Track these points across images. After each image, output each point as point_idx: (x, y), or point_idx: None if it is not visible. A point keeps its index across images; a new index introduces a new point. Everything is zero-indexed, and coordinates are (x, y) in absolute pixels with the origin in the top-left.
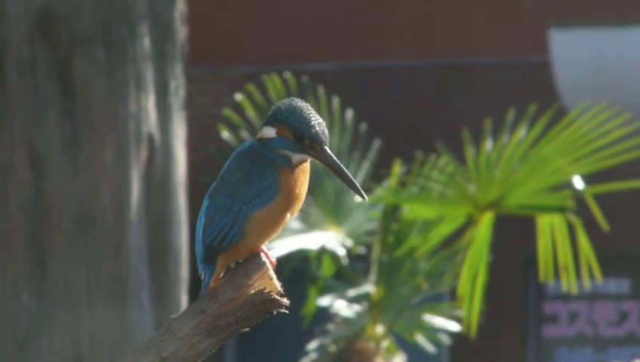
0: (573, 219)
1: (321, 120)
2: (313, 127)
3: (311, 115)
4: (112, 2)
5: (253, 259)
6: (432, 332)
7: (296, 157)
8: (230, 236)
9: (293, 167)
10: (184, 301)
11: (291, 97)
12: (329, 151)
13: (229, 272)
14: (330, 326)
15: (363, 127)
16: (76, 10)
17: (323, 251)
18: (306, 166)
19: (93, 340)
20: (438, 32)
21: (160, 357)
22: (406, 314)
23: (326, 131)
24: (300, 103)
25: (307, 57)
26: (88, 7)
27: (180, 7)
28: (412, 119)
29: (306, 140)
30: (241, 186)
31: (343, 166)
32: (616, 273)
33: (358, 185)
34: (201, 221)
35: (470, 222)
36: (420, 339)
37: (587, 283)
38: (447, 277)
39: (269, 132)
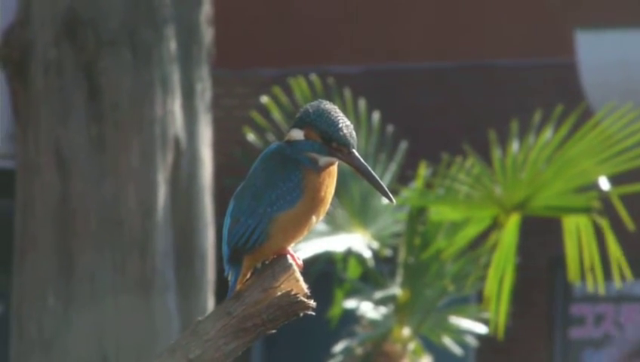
0: (600, 220)
1: (348, 123)
2: (341, 129)
3: (339, 118)
4: (137, 4)
5: (279, 261)
6: (458, 334)
7: (323, 159)
8: (254, 237)
9: (320, 169)
10: (210, 303)
11: (319, 100)
12: (357, 154)
13: (255, 274)
14: (357, 329)
15: (389, 129)
16: (102, 12)
17: (349, 253)
18: (333, 169)
19: (119, 342)
20: (464, 34)
21: (186, 359)
22: (432, 317)
23: (354, 134)
24: (328, 106)
25: (333, 59)
26: (114, 10)
27: (206, 9)
28: (438, 121)
29: (333, 143)
30: (265, 188)
31: (370, 169)
32: None
33: (386, 188)
34: (226, 222)
35: (496, 224)
36: (447, 341)
37: (618, 284)
38: (473, 279)
39: (297, 134)
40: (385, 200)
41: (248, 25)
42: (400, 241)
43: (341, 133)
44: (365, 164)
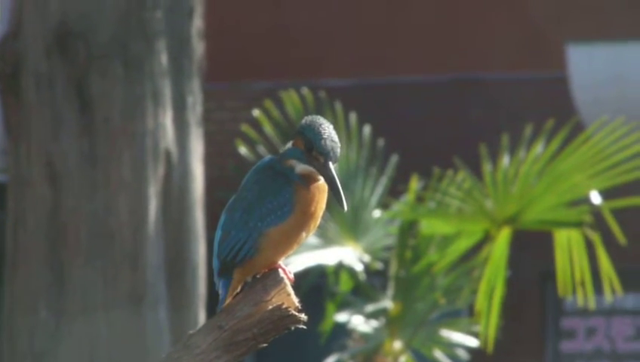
0: (591, 234)
1: (335, 138)
2: (324, 139)
3: (326, 131)
4: (129, 18)
5: (270, 275)
6: (449, 347)
7: (300, 167)
8: (244, 251)
9: (297, 177)
10: (202, 316)
11: (317, 115)
12: (332, 167)
13: (245, 287)
14: (348, 342)
15: (380, 142)
16: (93, 26)
17: (340, 267)
18: (324, 185)
19: (111, 355)
20: (455, 48)
21: None
22: (424, 330)
23: (336, 150)
24: (322, 120)
25: (325, 73)
26: (105, 23)
27: (197, 23)
28: (429, 135)
29: (313, 151)
30: (256, 202)
31: (338, 183)
32: (633, 288)
33: (344, 199)
34: (217, 235)
35: (487, 238)
36: (438, 355)
37: (609, 298)
38: (465, 292)
39: (288, 145)
40: (375, 214)
41: (240, 38)
42: (391, 255)
43: (322, 142)
44: (336, 177)
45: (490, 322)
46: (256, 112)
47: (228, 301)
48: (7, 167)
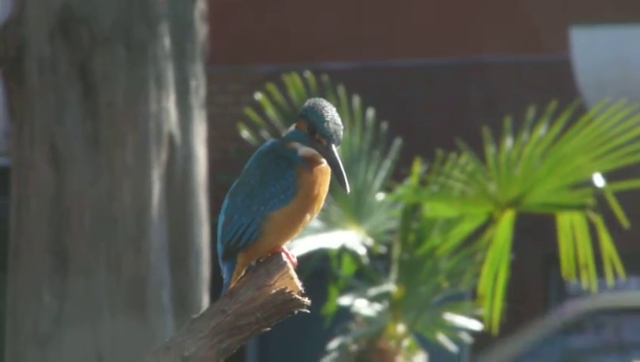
0: (594, 216)
1: (338, 120)
2: (327, 122)
3: (329, 113)
4: (132, 2)
5: (274, 259)
6: (453, 330)
7: (303, 149)
8: (247, 235)
9: (305, 163)
10: (205, 300)
11: (320, 98)
12: (334, 149)
13: (249, 271)
14: (352, 326)
15: (384, 125)
16: (96, 10)
17: (343, 250)
18: (327, 167)
19: (115, 341)
20: (458, 31)
21: (181, 356)
22: (427, 313)
23: (339, 132)
24: (325, 103)
25: (328, 56)
26: (108, 7)
27: (201, 6)
28: (432, 118)
29: (316, 134)
30: (259, 186)
31: (342, 165)
32: (637, 271)
33: (347, 181)
34: (220, 220)
35: (491, 221)
36: (442, 338)
37: (611, 281)
38: (468, 275)
39: (291, 127)
40: (379, 197)
41: (243, 22)
42: (394, 238)
43: (325, 125)
44: (339, 160)
45: (495, 305)
46: (258, 96)
47: (232, 285)
48: (11, 151)
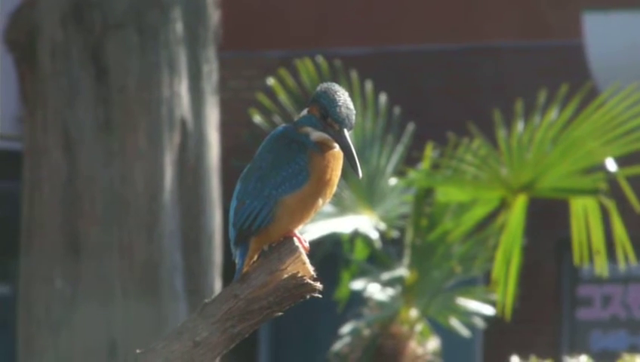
0: (607, 201)
1: (351, 106)
2: (339, 107)
3: (341, 98)
4: None
5: (286, 244)
6: (465, 315)
7: (315, 134)
8: (259, 220)
9: (316, 148)
10: (217, 285)
11: (332, 83)
12: (347, 134)
13: (262, 256)
14: (364, 310)
15: (396, 110)
16: None
17: (356, 235)
18: (339, 152)
19: (127, 325)
20: (471, 15)
21: (193, 341)
22: (440, 298)
23: (352, 117)
24: (337, 87)
25: (340, 41)
26: None
27: None
28: (445, 102)
29: (328, 118)
30: (271, 171)
31: (354, 150)
32: None
33: (359, 167)
34: (233, 204)
35: (503, 206)
36: (454, 323)
37: (622, 265)
38: (481, 260)
39: (304, 112)
40: (391, 182)
41: (255, 6)
42: (407, 223)
43: (337, 109)
44: (351, 145)
45: (507, 290)
46: (271, 81)
47: (245, 270)
48: (23, 136)
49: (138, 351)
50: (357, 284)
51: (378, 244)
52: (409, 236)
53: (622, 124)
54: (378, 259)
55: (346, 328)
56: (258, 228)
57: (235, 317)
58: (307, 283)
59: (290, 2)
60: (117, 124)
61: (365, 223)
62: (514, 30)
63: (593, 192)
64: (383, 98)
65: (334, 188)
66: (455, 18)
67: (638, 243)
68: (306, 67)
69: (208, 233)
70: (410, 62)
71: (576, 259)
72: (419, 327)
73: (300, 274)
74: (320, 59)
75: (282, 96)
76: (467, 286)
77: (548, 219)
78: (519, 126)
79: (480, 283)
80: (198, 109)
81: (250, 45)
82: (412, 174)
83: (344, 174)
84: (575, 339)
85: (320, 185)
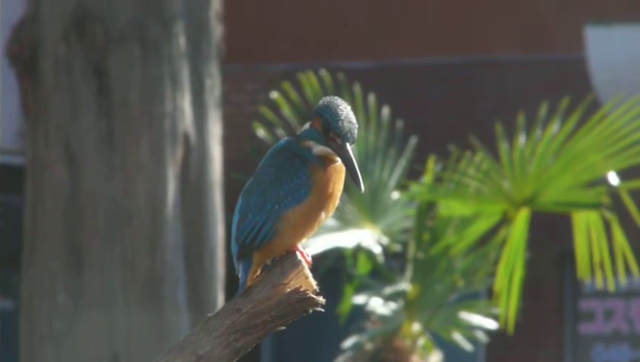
0: (609, 215)
1: (353, 120)
2: (341, 121)
3: (344, 112)
4: (147, 1)
5: (288, 258)
6: (468, 329)
7: (317, 148)
8: (262, 234)
9: (318, 162)
10: (220, 299)
11: (335, 97)
12: (349, 148)
13: (265, 270)
14: (367, 324)
15: (399, 124)
16: (111, 8)
17: (359, 249)
18: (341, 166)
19: (129, 339)
20: (473, 29)
21: (196, 355)
22: (442, 312)
23: (354, 131)
24: (339, 101)
25: (343, 55)
26: (123, 6)
27: (216, 5)
28: (447, 116)
29: (331, 133)
30: (273, 185)
31: (355, 164)
32: None
33: (361, 180)
34: (235, 219)
35: (506, 219)
36: (457, 337)
37: (623, 280)
38: (483, 274)
39: (306, 126)
40: (394, 196)
41: (258, 20)
42: (409, 237)
43: (339, 123)
44: (353, 159)
45: (510, 304)
46: (274, 95)
47: (248, 284)
48: (26, 150)
49: None
50: (359, 298)
51: (380, 258)
52: (411, 250)
53: (624, 137)
54: (380, 273)
55: (349, 342)
56: (261, 242)
57: (238, 331)
58: (310, 297)
59: (293, 16)
60: (119, 137)
61: (368, 237)
62: (516, 44)
63: (595, 206)
64: (385, 111)
65: (337, 202)
66: (458, 32)
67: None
68: (309, 81)
69: (211, 247)
70: (412, 75)
71: (579, 273)
72: (421, 341)
73: (302, 289)
74: (323, 72)
75: (285, 110)
76: (470, 300)
77: (550, 233)
78: (521, 139)
79: (482, 297)
80: (201, 123)
81: (253, 59)
82: (414, 188)
83: (346, 188)
84: (577, 353)
85: (322, 199)
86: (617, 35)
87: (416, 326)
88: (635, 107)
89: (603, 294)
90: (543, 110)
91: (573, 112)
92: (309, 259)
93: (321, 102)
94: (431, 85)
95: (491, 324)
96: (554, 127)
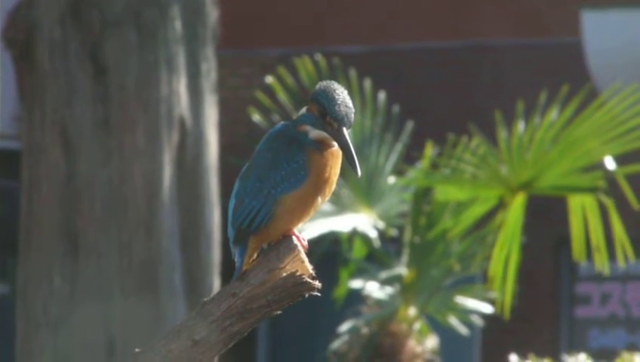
0: (605, 199)
1: (350, 104)
2: (338, 105)
3: (340, 96)
4: None
5: (284, 242)
6: (464, 314)
7: (314, 132)
8: (259, 219)
9: (315, 146)
10: (216, 284)
11: (331, 81)
12: (345, 132)
13: (261, 254)
14: (363, 309)
15: (395, 109)
16: None
17: (355, 233)
18: (338, 150)
19: (126, 324)
20: (470, 13)
21: (192, 340)
22: (438, 296)
23: (350, 115)
24: (336, 85)
25: (339, 39)
26: None
27: None
28: (444, 101)
29: (327, 117)
30: (269, 169)
31: (352, 148)
32: None
33: (358, 165)
34: (231, 203)
35: (502, 204)
36: (453, 321)
37: (621, 263)
38: (479, 258)
39: (303, 110)
40: (390, 180)
41: (253, 4)
42: (406, 221)
43: (336, 108)
44: (350, 143)
45: (506, 288)
46: (269, 79)
47: (244, 268)
48: (22, 135)
49: (137, 350)
50: (355, 283)
51: (377, 243)
52: (408, 234)
53: (621, 123)
54: (377, 257)
55: (345, 326)
56: (257, 226)
57: (234, 315)
58: (306, 281)
59: (289, 0)
60: (115, 122)
61: (364, 222)
62: (513, 29)
63: (592, 190)
64: (381, 96)
65: (333, 187)
66: (454, 16)
67: (636, 241)
68: (304, 65)
69: (207, 232)
70: (409, 60)
71: (575, 256)
72: (417, 325)
73: (298, 273)
74: (319, 57)
75: (281, 95)
76: (466, 284)
77: (546, 217)
78: (520, 126)
79: (478, 281)
80: (197, 108)
81: (248, 43)
82: (411, 173)
83: (343, 173)
84: (573, 337)
85: (319, 184)
86: (613, 20)
87: (412, 311)
88: (633, 94)
89: (599, 278)
90: (542, 97)
91: (572, 99)
92: (305, 243)
93: (317, 86)
94: (427, 70)
95: (487, 308)
96: (553, 113)
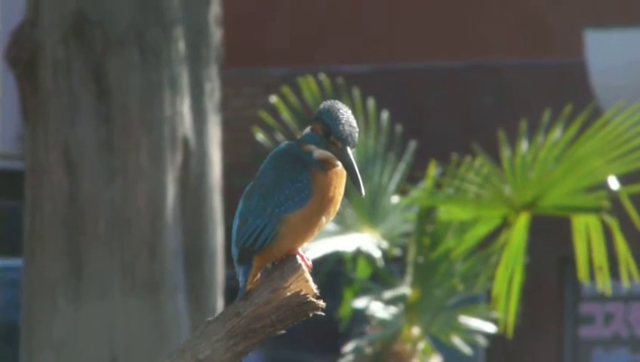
0: (609, 219)
1: (354, 124)
2: (342, 125)
3: (344, 116)
4: (146, 5)
5: (289, 262)
6: (468, 333)
7: (318, 152)
8: (262, 238)
9: (320, 166)
10: (220, 304)
11: (335, 100)
12: (349, 152)
13: (265, 274)
14: (367, 329)
15: (398, 128)
16: (110, 13)
17: (359, 253)
18: (342, 170)
19: (129, 343)
20: (473, 33)
21: (196, 359)
22: (442, 316)
23: (354, 135)
24: (340, 105)
25: (342, 59)
26: (122, 10)
27: (215, 9)
28: (447, 120)
29: (331, 136)
30: (273, 188)
31: (356, 168)
32: None
33: (362, 184)
34: (235, 223)
35: (506, 224)
36: (456, 341)
37: (626, 283)
38: (483, 278)
39: (307, 130)
40: (393, 200)
41: (257, 24)
42: (409, 241)
43: (340, 127)
44: (354, 163)
45: (509, 308)
46: (273, 99)
47: (248, 288)
48: (25, 155)
49: None
50: (359, 302)
51: (380, 263)
52: (411, 254)
53: (625, 142)
54: (380, 277)
55: (349, 346)
56: (261, 246)
57: (238, 335)
58: (310, 301)
59: (292, 19)
60: (119, 142)
61: (368, 241)
62: (517, 48)
63: (596, 210)
64: (385, 116)
65: (338, 206)
66: (457, 36)
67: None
68: (308, 85)
69: (210, 251)
70: (412, 79)
71: (580, 277)
72: (421, 345)
73: (302, 292)
74: (322, 76)
75: (285, 114)
76: (469, 304)
77: (550, 237)
78: (523, 145)
79: (482, 301)
80: (200, 128)
81: (252, 63)
82: (414, 192)
83: (346, 192)
84: (577, 357)
85: (323, 203)
86: (617, 39)
87: (416, 330)
88: (637, 113)
89: (602, 298)
90: (546, 116)
91: (575, 118)
92: (310, 262)
93: (321, 106)
94: (431, 89)
95: (491, 328)
96: (556, 132)
